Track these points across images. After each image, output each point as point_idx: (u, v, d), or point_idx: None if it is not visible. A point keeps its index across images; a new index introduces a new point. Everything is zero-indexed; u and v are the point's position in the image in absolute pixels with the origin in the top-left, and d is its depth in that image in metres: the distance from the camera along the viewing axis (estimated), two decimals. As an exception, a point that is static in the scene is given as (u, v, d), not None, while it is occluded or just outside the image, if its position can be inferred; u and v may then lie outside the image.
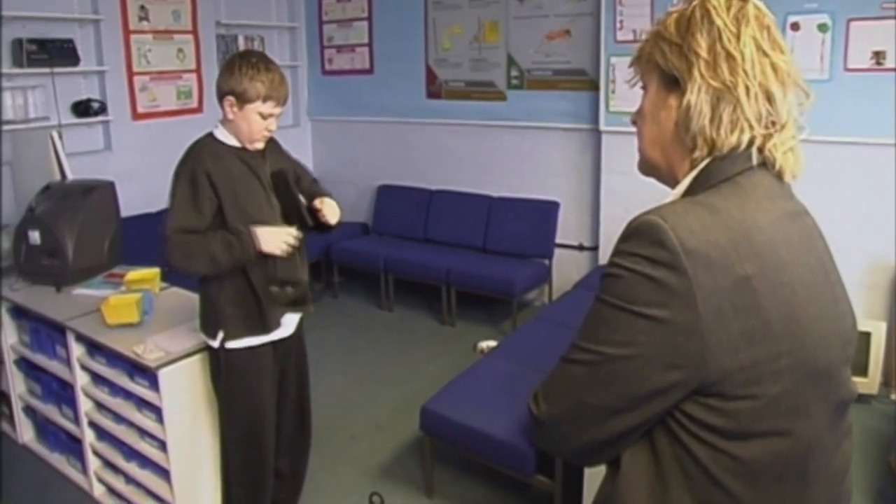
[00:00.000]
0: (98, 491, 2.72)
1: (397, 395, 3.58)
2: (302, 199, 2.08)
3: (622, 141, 4.07)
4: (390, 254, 4.82)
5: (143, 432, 2.42)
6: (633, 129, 1.00)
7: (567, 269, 4.62)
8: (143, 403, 2.38)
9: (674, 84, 0.90)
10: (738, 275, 0.80)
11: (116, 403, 2.49)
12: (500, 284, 4.32)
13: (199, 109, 4.85)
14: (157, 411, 2.31)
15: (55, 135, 3.15)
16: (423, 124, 5.20)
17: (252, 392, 2.17)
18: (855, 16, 3.36)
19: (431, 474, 2.76)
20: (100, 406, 2.60)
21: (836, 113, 3.34)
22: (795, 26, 3.48)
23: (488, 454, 2.53)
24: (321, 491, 2.76)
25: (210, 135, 2.09)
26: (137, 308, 2.47)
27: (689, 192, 0.90)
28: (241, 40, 5.22)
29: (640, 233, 0.82)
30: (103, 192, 2.99)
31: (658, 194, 0.96)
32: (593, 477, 2.15)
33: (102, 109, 4.29)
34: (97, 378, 2.56)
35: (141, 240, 3.98)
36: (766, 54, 0.87)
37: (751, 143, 0.87)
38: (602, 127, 4.25)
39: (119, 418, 2.51)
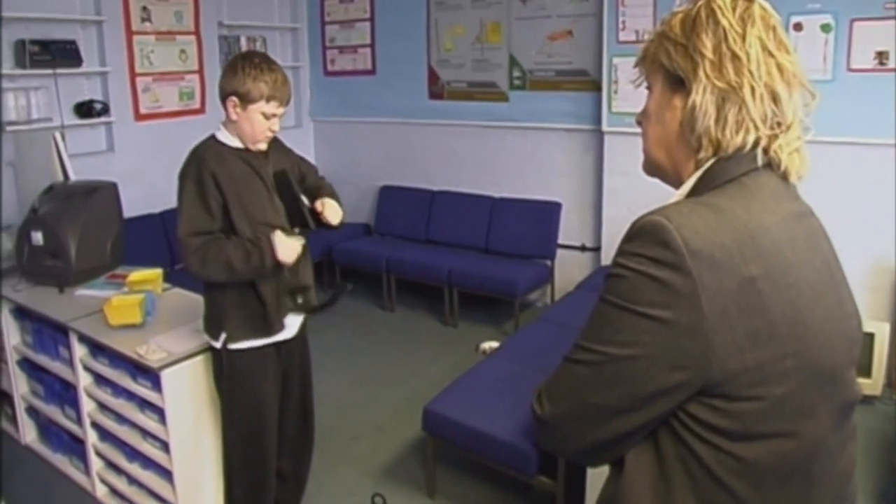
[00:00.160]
0: (101, 492, 2.72)
1: (399, 396, 3.58)
2: (304, 200, 2.08)
3: (624, 141, 4.06)
4: (392, 254, 4.82)
5: (145, 433, 2.42)
6: (636, 129, 1.00)
7: (569, 269, 4.62)
8: (145, 404, 2.38)
9: (679, 84, 0.90)
10: (744, 276, 0.79)
11: (119, 404, 2.49)
12: (502, 285, 4.32)
13: (201, 110, 4.86)
14: (159, 412, 2.31)
15: (58, 136, 3.15)
16: (425, 125, 5.20)
17: (255, 393, 2.17)
18: (858, 16, 3.35)
19: (433, 475, 2.76)
20: (102, 407, 2.60)
21: (839, 113, 3.34)
22: (798, 26, 3.48)
23: (490, 455, 2.53)
24: (323, 492, 2.76)
25: (212, 137, 2.09)
26: (140, 309, 2.47)
27: (693, 193, 0.90)
28: (243, 41, 5.22)
29: (644, 233, 0.82)
30: (106, 192, 2.99)
31: (661, 195, 0.95)
32: (596, 477, 2.15)
33: (105, 110, 4.29)
34: (100, 379, 2.56)
35: (143, 241, 4.01)
36: (771, 55, 0.87)
37: (756, 143, 0.87)
38: (604, 127, 4.25)
39: (121, 419, 2.51)
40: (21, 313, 2.91)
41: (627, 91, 4.03)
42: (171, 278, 3.04)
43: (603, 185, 4.35)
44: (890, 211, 3.39)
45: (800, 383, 0.82)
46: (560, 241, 4.63)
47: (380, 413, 3.43)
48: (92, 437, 2.67)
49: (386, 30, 5.29)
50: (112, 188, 3.03)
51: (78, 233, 2.81)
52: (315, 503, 2.66)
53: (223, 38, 5.05)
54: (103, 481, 2.70)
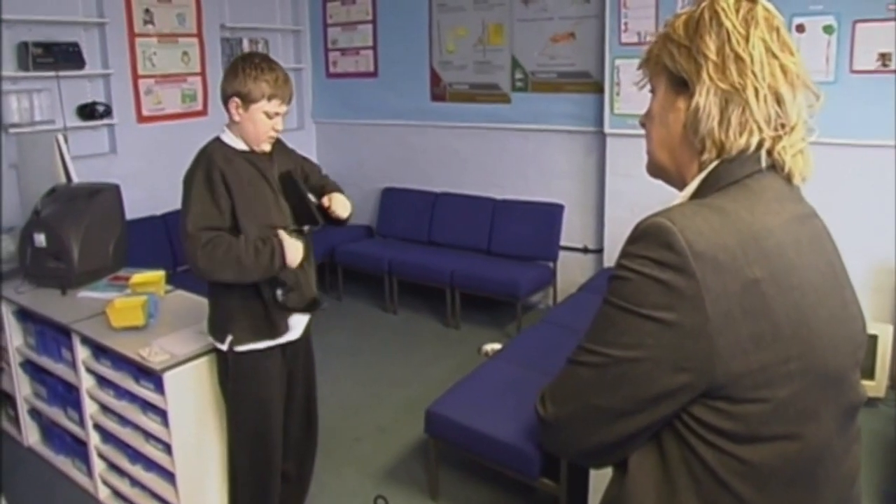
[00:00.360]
0: (103, 493, 2.72)
1: (401, 398, 3.58)
2: (312, 197, 2.08)
3: (627, 143, 4.06)
4: (394, 256, 4.82)
5: (148, 435, 2.42)
6: (638, 131, 1.00)
7: (572, 271, 4.61)
8: (148, 406, 2.38)
9: (682, 86, 0.90)
10: (747, 278, 0.79)
11: (122, 406, 2.49)
12: (504, 287, 4.31)
13: (203, 112, 4.86)
14: (162, 414, 2.31)
15: (60, 138, 3.16)
16: (427, 127, 5.21)
17: (260, 394, 2.17)
18: (861, 17, 3.35)
19: (436, 477, 2.76)
20: (105, 409, 2.60)
21: (842, 115, 3.33)
22: (801, 28, 3.47)
23: (493, 457, 2.53)
24: (326, 493, 2.76)
25: (218, 139, 2.09)
26: (143, 311, 2.47)
27: (697, 195, 0.90)
28: (245, 43, 5.23)
29: (648, 235, 0.82)
30: (108, 194, 3.00)
31: (663, 197, 0.95)
32: (599, 480, 2.15)
33: (107, 112, 4.30)
34: (102, 381, 2.57)
35: (146, 243, 4.01)
36: (775, 56, 0.86)
37: (760, 145, 0.87)
38: (607, 129, 4.25)
39: (124, 421, 2.51)
40: (24, 315, 2.92)
41: (630, 93, 4.03)
42: (174, 280, 3.04)
43: (605, 187, 4.34)
44: (892, 212, 3.38)
45: (804, 386, 0.82)
46: (562, 242, 4.62)
47: (382, 414, 3.43)
48: (94, 439, 2.67)
49: (388, 32, 5.30)
50: (114, 190, 3.04)
51: (80, 235, 2.81)
52: (317, 505, 2.67)
53: (225, 41, 5.06)
54: (106, 483, 2.71)
